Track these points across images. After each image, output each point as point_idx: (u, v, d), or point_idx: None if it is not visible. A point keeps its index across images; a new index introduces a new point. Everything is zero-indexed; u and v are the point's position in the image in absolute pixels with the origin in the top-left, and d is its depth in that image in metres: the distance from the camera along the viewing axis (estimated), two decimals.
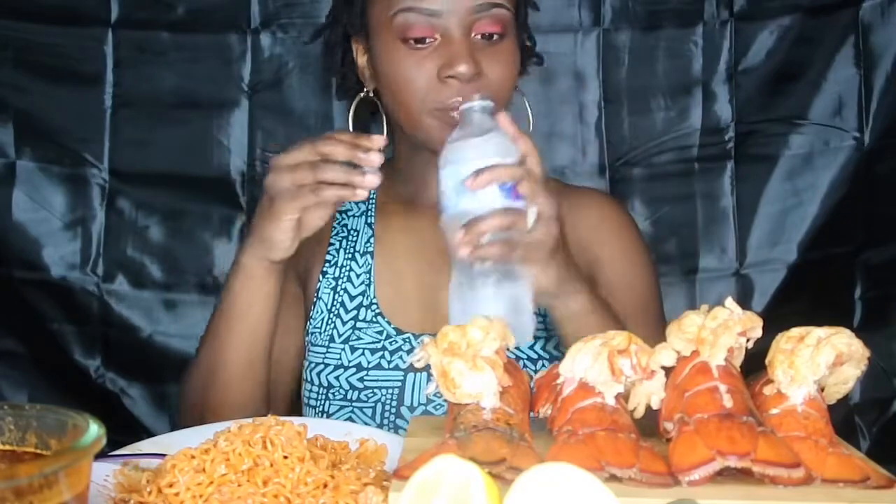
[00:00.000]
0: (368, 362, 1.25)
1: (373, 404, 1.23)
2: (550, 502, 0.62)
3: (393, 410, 1.23)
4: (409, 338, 1.26)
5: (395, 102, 1.23)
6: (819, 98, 1.77)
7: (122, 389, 1.73)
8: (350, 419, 1.23)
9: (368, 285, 1.29)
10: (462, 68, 1.16)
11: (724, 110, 1.78)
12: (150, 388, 1.74)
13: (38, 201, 1.71)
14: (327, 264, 1.32)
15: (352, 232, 1.33)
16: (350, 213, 1.35)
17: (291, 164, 1.06)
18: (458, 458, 0.67)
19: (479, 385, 0.84)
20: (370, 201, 1.35)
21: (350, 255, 1.31)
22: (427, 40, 1.18)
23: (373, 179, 1.04)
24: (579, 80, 1.78)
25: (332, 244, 1.34)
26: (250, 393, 1.18)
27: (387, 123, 1.30)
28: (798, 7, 1.75)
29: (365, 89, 1.28)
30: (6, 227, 1.70)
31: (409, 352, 1.24)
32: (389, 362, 1.24)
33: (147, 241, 1.72)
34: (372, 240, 1.32)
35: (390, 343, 1.26)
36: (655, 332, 0.96)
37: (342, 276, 1.31)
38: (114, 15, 1.71)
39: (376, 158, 1.05)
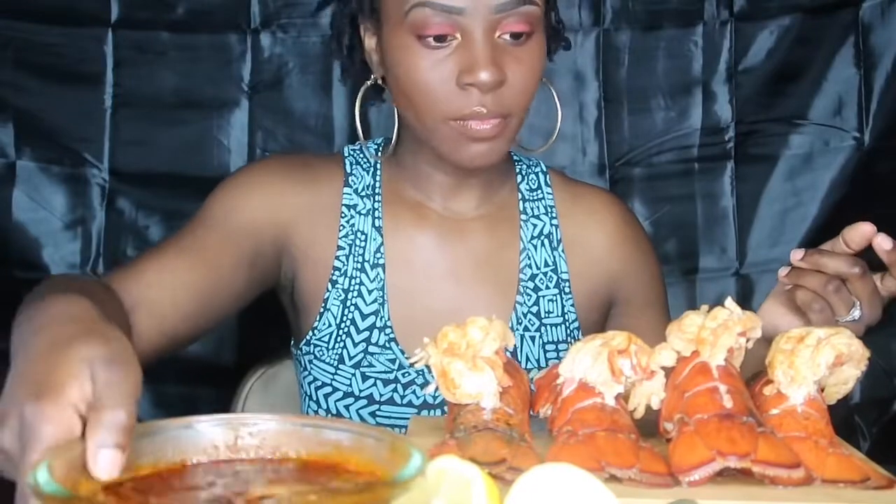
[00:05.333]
0: (381, 395, 1.17)
1: None
2: (550, 502, 0.62)
3: None
4: (422, 371, 1.16)
5: (406, 103, 1.11)
6: (819, 98, 1.77)
7: None
8: None
9: (382, 304, 1.17)
10: (484, 76, 1.04)
11: (724, 110, 1.78)
12: (150, 388, 1.73)
13: (38, 201, 1.71)
14: (336, 272, 1.18)
15: (359, 235, 1.19)
16: (357, 210, 1.20)
17: None
18: (458, 458, 0.67)
19: (478, 385, 0.84)
20: (376, 197, 1.21)
21: (359, 266, 1.18)
22: (447, 39, 1.05)
23: None
24: (579, 79, 1.78)
25: (342, 247, 1.19)
26: None
27: (398, 114, 1.17)
28: (798, 7, 1.76)
29: (372, 76, 1.16)
30: (6, 227, 1.70)
31: (421, 386, 1.17)
32: (402, 397, 1.17)
33: (147, 241, 1.72)
34: (382, 249, 1.19)
35: (403, 375, 1.16)
36: None
37: (352, 288, 1.18)
38: (114, 15, 1.71)
39: None
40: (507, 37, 1.06)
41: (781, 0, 1.76)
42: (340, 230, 1.19)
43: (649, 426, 0.85)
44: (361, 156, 1.24)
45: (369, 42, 1.15)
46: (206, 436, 0.64)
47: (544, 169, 1.27)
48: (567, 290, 1.22)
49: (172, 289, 1.07)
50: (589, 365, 0.84)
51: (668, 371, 0.86)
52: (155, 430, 0.63)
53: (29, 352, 0.68)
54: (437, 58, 1.06)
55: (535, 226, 1.23)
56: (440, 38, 1.05)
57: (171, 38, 1.72)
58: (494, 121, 1.07)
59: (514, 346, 1.18)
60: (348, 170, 1.22)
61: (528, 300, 1.20)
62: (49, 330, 0.71)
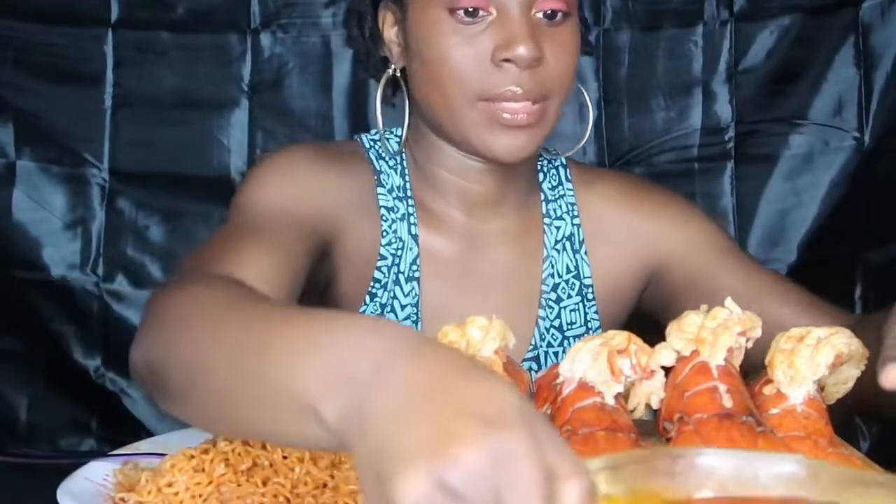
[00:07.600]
0: None
1: None
2: None
3: None
4: None
5: (433, 86, 1.04)
6: (819, 98, 1.77)
7: (122, 389, 1.72)
8: None
9: (415, 322, 1.10)
10: (522, 50, 0.98)
11: (724, 110, 1.78)
12: None
13: (38, 201, 1.71)
14: (376, 284, 1.11)
15: (397, 241, 1.11)
16: (393, 212, 1.12)
17: None
18: None
19: None
20: (409, 201, 1.13)
21: (395, 279, 1.11)
22: (480, 13, 1.00)
23: None
24: (579, 79, 1.77)
25: (384, 256, 1.11)
26: None
27: (409, 113, 1.12)
28: (798, 7, 1.75)
29: (392, 67, 1.10)
30: (6, 227, 1.70)
31: None
32: None
33: (147, 241, 1.72)
34: (418, 261, 1.11)
35: None
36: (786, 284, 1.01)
37: (388, 303, 1.11)
38: (114, 15, 1.71)
39: None
40: (541, 15, 1.02)
41: (781, 0, 1.76)
42: (383, 236, 1.11)
43: (649, 426, 0.85)
44: (384, 150, 1.15)
45: (389, 32, 1.09)
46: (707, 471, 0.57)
47: (564, 162, 1.21)
48: (590, 296, 1.17)
49: (268, 288, 0.92)
50: (589, 364, 0.84)
51: (668, 371, 0.86)
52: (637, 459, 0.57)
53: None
54: (471, 33, 1.01)
55: (557, 228, 1.18)
56: (473, 13, 1.00)
57: (171, 38, 1.72)
58: (530, 107, 1.02)
59: (538, 363, 1.14)
60: (377, 167, 1.14)
61: (551, 313, 1.15)
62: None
